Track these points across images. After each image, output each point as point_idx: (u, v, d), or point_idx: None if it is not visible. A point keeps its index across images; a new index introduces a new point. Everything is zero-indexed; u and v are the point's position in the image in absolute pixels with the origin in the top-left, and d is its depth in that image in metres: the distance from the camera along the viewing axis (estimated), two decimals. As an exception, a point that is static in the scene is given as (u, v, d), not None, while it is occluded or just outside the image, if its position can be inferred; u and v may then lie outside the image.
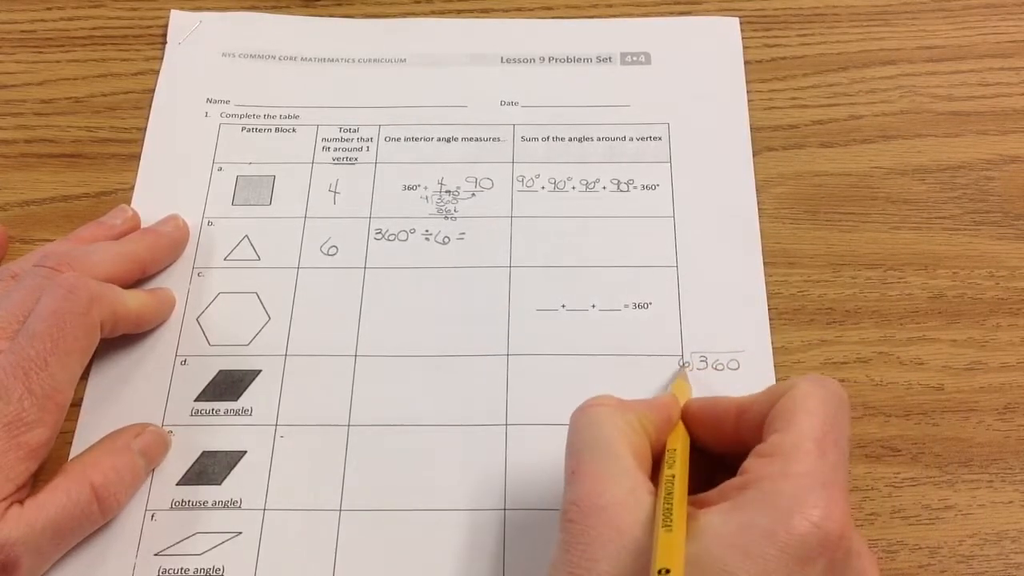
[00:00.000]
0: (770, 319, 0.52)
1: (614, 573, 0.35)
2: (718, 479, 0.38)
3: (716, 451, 0.41)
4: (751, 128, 0.58)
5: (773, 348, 0.51)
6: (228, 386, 0.50)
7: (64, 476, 0.44)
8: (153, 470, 0.48)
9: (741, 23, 0.61)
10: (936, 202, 0.55)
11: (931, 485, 0.48)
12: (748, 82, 0.59)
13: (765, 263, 0.53)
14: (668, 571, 0.32)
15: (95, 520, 0.45)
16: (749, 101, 0.59)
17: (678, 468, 0.38)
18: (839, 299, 0.53)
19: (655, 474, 0.39)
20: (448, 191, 0.56)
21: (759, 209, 0.55)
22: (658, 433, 0.40)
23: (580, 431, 0.40)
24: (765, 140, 0.57)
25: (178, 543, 0.46)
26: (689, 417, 0.42)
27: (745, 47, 0.61)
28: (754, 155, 0.57)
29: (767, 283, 0.53)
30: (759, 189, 0.55)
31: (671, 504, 0.36)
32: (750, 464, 0.37)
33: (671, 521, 0.35)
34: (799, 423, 0.37)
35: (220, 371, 0.51)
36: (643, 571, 0.34)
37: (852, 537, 0.35)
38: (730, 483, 0.37)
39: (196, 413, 0.49)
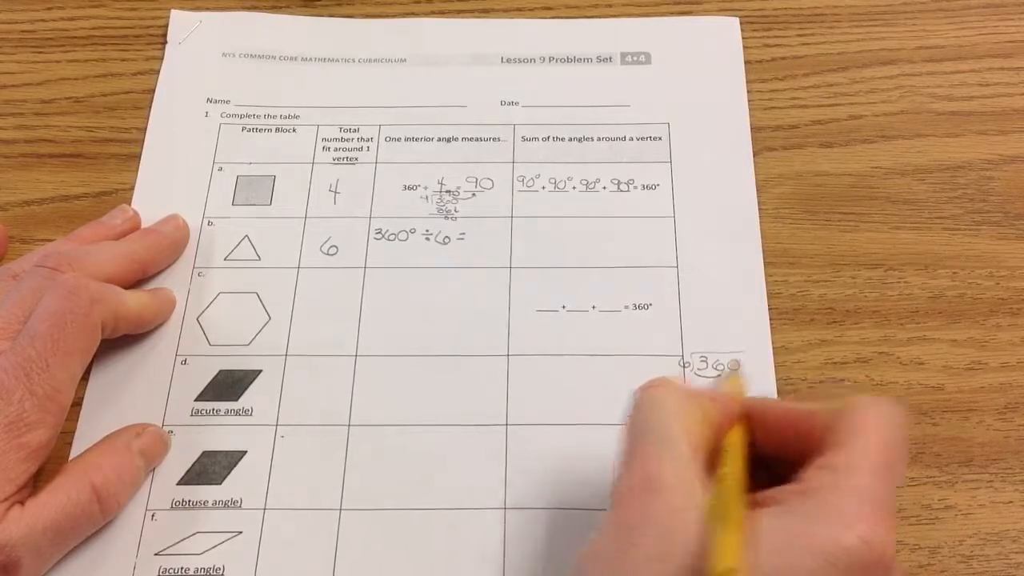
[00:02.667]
0: (770, 319, 0.52)
1: (660, 556, 0.35)
2: (771, 485, 0.38)
3: (768, 452, 0.41)
4: (751, 128, 0.58)
5: (773, 348, 0.51)
6: (228, 386, 0.50)
7: (65, 477, 0.44)
8: (153, 470, 0.48)
9: (741, 23, 0.61)
10: (936, 202, 0.55)
11: (931, 485, 0.48)
12: (748, 82, 0.59)
13: (765, 263, 0.53)
14: (733, 570, 0.33)
15: (96, 521, 0.45)
16: (749, 101, 0.59)
17: (734, 466, 0.38)
18: (839, 299, 0.53)
19: (710, 467, 0.39)
20: (448, 191, 0.56)
21: (759, 209, 0.55)
22: (718, 427, 0.40)
23: (641, 411, 0.40)
24: (765, 140, 0.57)
25: (178, 543, 0.46)
26: (748, 416, 0.42)
27: (745, 47, 0.61)
28: (754, 155, 0.57)
29: (767, 283, 0.53)
30: (759, 189, 0.56)
31: (726, 500, 0.36)
32: (809, 474, 0.37)
33: (729, 518, 0.35)
34: (860, 441, 0.37)
35: (220, 371, 0.51)
36: (685, 558, 0.34)
37: (893, 558, 0.36)
38: (786, 488, 0.37)
39: (196, 413, 0.49)
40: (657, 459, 0.37)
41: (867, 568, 0.34)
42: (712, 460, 0.39)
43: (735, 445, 0.40)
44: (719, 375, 0.50)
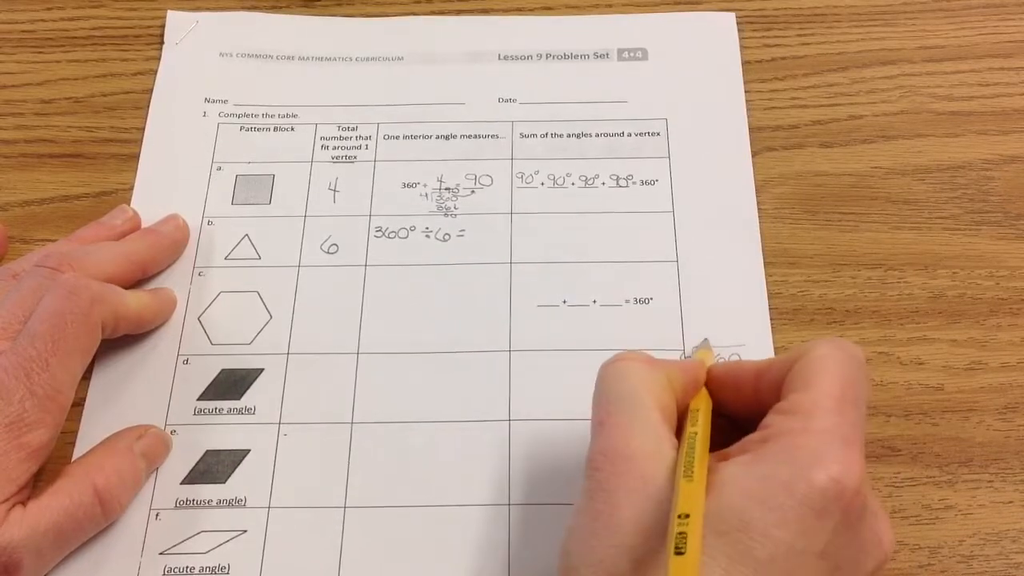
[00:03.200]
0: (770, 319, 0.52)
1: (636, 519, 0.35)
2: (737, 441, 0.39)
3: (737, 414, 0.42)
4: (751, 128, 0.58)
5: (773, 347, 0.51)
6: (230, 385, 0.50)
7: (67, 479, 0.44)
8: (155, 471, 0.48)
9: (741, 23, 0.61)
10: (936, 202, 0.55)
11: (931, 485, 0.48)
12: (748, 82, 0.59)
13: (765, 263, 0.53)
14: (687, 516, 0.33)
15: (98, 522, 0.45)
16: (749, 101, 0.59)
17: (700, 426, 0.39)
18: (839, 299, 0.53)
19: (679, 432, 0.40)
20: (447, 188, 0.56)
21: (759, 209, 0.55)
22: (684, 393, 0.41)
23: (608, 383, 0.40)
24: (765, 140, 0.57)
25: (183, 542, 0.46)
26: (712, 380, 0.43)
27: (745, 47, 0.61)
28: (754, 155, 0.57)
29: (767, 283, 0.53)
30: (759, 189, 0.56)
31: (692, 457, 0.36)
32: (770, 420, 0.37)
33: (692, 472, 0.35)
34: (819, 382, 0.37)
35: (222, 370, 0.51)
36: (664, 518, 0.35)
37: (867, 494, 0.36)
38: (750, 438, 0.37)
39: (199, 412, 0.49)
40: (627, 427, 0.38)
41: (842, 504, 0.34)
42: (681, 425, 0.40)
43: (700, 407, 0.41)
44: (699, 343, 0.50)
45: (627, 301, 0.52)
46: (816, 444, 0.35)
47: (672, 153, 0.57)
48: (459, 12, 0.63)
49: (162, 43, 0.61)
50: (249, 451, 0.48)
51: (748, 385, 0.41)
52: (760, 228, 0.54)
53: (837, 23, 0.62)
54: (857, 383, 0.38)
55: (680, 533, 0.33)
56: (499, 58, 0.61)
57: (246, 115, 0.59)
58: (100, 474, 0.45)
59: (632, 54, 0.61)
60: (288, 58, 0.61)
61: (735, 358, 0.50)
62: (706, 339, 0.50)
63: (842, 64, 0.60)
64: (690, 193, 0.56)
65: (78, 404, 0.49)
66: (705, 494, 0.35)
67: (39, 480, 0.45)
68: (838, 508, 0.34)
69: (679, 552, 0.33)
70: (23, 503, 0.42)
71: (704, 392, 0.42)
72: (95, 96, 0.59)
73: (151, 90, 0.59)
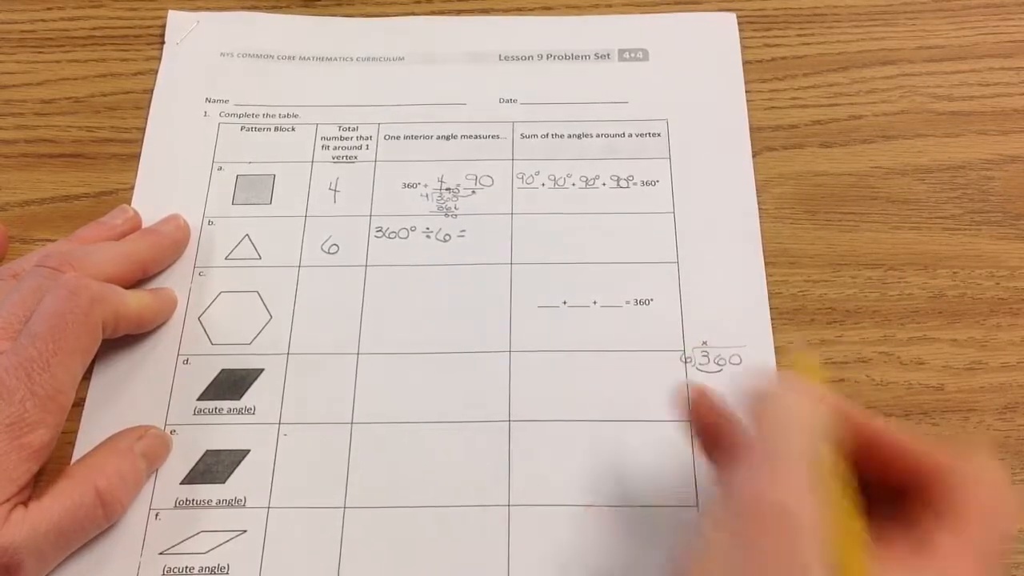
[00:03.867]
0: (770, 319, 0.52)
1: None
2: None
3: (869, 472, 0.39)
4: (751, 128, 0.58)
5: (774, 347, 0.51)
6: (231, 385, 0.50)
7: (68, 480, 0.44)
8: (155, 472, 0.48)
9: (741, 23, 0.61)
10: (936, 202, 0.55)
11: (931, 484, 0.48)
12: (748, 82, 0.59)
13: (765, 263, 0.53)
14: None
15: (99, 524, 0.45)
16: (749, 101, 0.59)
17: (852, 501, 0.36)
18: (839, 299, 0.53)
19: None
20: (448, 189, 0.56)
21: (759, 209, 0.55)
22: (842, 441, 0.37)
23: (781, 418, 0.37)
24: (765, 140, 0.57)
25: (183, 542, 0.46)
26: (857, 431, 0.39)
27: (745, 47, 0.61)
28: (754, 155, 0.57)
29: (767, 283, 0.53)
30: (759, 189, 0.56)
31: (850, 550, 0.35)
32: (932, 536, 0.36)
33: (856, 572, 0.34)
34: (974, 530, 0.36)
35: (222, 370, 0.51)
36: None
37: None
38: (908, 551, 0.36)
39: (199, 412, 0.49)
40: (790, 482, 0.35)
41: None
42: (835, 469, 0.37)
43: (848, 474, 0.37)
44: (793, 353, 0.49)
45: (627, 302, 0.52)
46: None
47: (673, 154, 0.57)
48: (459, 12, 0.63)
49: (163, 43, 0.61)
50: (249, 451, 0.48)
51: (898, 461, 0.38)
52: (760, 228, 0.54)
53: (837, 23, 0.62)
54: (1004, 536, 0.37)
55: None
56: (500, 58, 0.61)
57: (247, 115, 0.59)
58: (102, 476, 0.45)
59: (633, 54, 0.61)
60: (289, 58, 0.61)
61: (735, 359, 0.50)
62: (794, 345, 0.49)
63: (842, 64, 0.60)
64: (691, 194, 0.56)
65: (78, 404, 0.48)
66: None
67: (40, 480, 0.45)
68: None
69: None
70: (24, 503, 0.42)
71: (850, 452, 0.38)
72: (95, 96, 0.59)
73: (151, 90, 0.59)
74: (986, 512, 0.36)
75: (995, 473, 0.37)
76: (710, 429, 0.43)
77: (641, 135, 0.58)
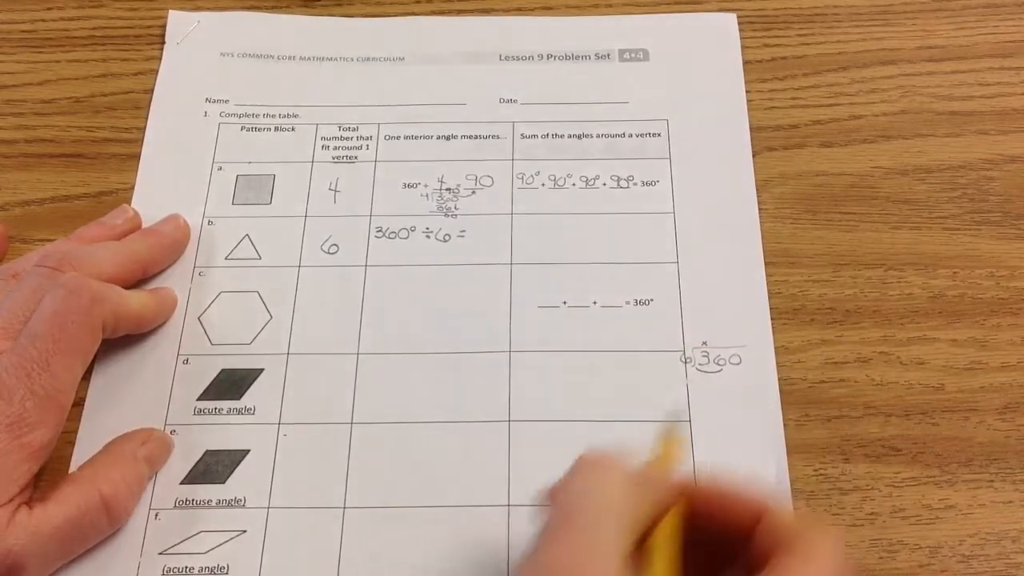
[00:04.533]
0: (770, 319, 0.52)
1: None
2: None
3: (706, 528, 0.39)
4: (751, 128, 0.58)
5: (774, 347, 0.51)
6: (230, 385, 0.50)
7: (73, 486, 0.44)
8: (155, 474, 0.48)
9: (741, 23, 0.61)
10: (936, 202, 0.55)
11: (931, 485, 0.48)
12: (748, 82, 0.59)
13: (765, 263, 0.53)
14: None
15: (103, 531, 0.45)
16: (749, 101, 0.59)
17: (664, 564, 0.37)
18: (839, 299, 0.53)
19: (640, 546, 0.37)
20: (448, 189, 0.56)
21: (759, 209, 0.55)
22: (654, 517, 0.38)
23: (583, 485, 0.38)
24: (765, 140, 0.57)
25: (182, 542, 0.46)
26: (694, 495, 0.39)
27: (745, 47, 0.61)
28: (754, 155, 0.57)
29: (767, 283, 0.53)
30: (759, 189, 0.56)
31: None
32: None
33: None
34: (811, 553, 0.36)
35: (222, 370, 0.51)
36: None
37: None
38: None
39: (199, 412, 0.49)
40: (584, 547, 0.35)
41: None
42: (647, 544, 0.37)
43: (665, 539, 0.38)
44: (662, 431, 0.48)
45: (627, 302, 0.52)
46: None
47: (673, 154, 0.57)
48: (459, 12, 0.63)
49: (163, 43, 0.61)
50: (249, 451, 0.48)
51: (743, 527, 0.38)
52: (760, 228, 0.54)
53: (837, 23, 0.62)
54: None
55: None
56: (500, 58, 0.61)
57: (247, 115, 0.59)
58: (107, 483, 0.45)
59: (633, 55, 0.61)
60: (289, 58, 0.61)
61: (735, 359, 0.50)
62: (677, 412, 0.49)
63: (842, 64, 0.60)
64: (691, 194, 0.56)
65: (78, 404, 0.48)
66: None
67: (41, 481, 0.45)
68: None
69: None
70: (27, 504, 0.43)
71: (671, 517, 0.38)
72: (95, 96, 0.59)
73: (152, 90, 0.59)
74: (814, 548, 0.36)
75: (823, 538, 0.37)
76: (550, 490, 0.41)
77: (641, 135, 0.58)
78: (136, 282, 0.52)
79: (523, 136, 0.58)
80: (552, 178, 0.56)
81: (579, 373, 0.50)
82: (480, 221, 0.55)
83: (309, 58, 0.61)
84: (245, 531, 0.47)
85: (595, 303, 0.52)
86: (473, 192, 0.56)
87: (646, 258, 0.54)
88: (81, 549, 0.45)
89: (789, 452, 0.48)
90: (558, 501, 0.38)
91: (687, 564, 0.37)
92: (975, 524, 0.47)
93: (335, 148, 0.58)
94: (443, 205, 0.55)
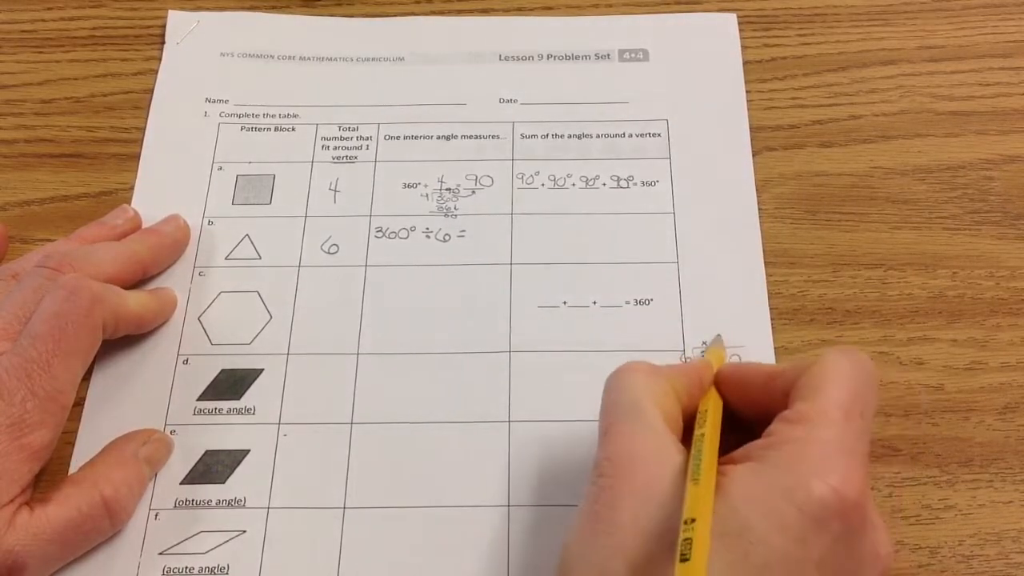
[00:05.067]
0: (770, 319, 0.52)
1: (635, 522, 0.36)
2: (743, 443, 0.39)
3: (745, 416, 0.42)
4: (751, 128, 0.58)
5: (774, 347, 0.51)
6: (230, 385, 0.50)
7: (75, 487, 0.44)
8: (155, 475, 0.48)
9: (741, 23, 0.61)
10: (936, 202, 0.55)
11: (931, 485, 0.48)
12: (748, 82, 0.59)
13: (765, 263, 0.53)
14: (694, 520, 0.33)
15: (104, 532, 0.45)
16: (749, 101, 0.59)
17: (708, 427, 0.39)
18: (839, 299, 0.53)
19: (687, 436, 0.40)
20: (448, 189, 0.56)
21: (759, 209, 0.55)
22: (689, 397, 0.42)
23: (612, 393, 0.41)
24: (765, 140, 0.57)
25: (182, 542, 0.46)
26: (720, 381, 0.43)
27: (745, 47, 0.61)
28: (754, 155, 0.57)
29: (767, 283, 0.53)
30: (759, 189, 0.56)
31: (700, 460, 0.36)
32: (776, 427, 0.37)
33: (699, 475, 0.35)
34: (826, 391, 0.37)
35: (222, 370, 0.51)
36: (666, 521, 0.35)
37: (868, 506, 0.36)
38: (755, 444, 0.38)
39: (199, 412, 0.49)
40: (631, 433, 0.38)
41: (841, 515, 0.35)
42: (689, 429, 0.40)
43: (708, 408, 0.41)
44: (712, 339, 0.50)
45: (627, 302, 0.52)
46: (818, 454, 0.35)
47: (673, 154, 0.57)
48: (459, 12, 0.63)
49: (163, 43, 0.61)
50: (249, 451, 0.48)
51: (757, 388, 0.41)
52: (760, 228, 0.54)
53: (837, 23, 0.62)
54: (865, 394, 0.38)
55: (686, 539, 0.33)
56: (500, 58, 0.61)
57: (247, 115, 0.59)
58: (108, 484, 0.45)
59: (633, 55, 0.61)
60: (289, 58, 0.61)
61: (735, 359, 0.50)
62: (719, 336, 0.50)
63: (842, 64, 0.60)
64: (691, 194, 0.56)
65: (78, 404, 0.48)
66: (712, 497, 0.35)
67: (41, 481, 0.45)
68: (837, 519, 0.34)
69: (684, 559, 0.33)
70: (28, 505, 0.43)
71: (713, 393, 0.42)
72: (95, 96, 0.59)
73: (151, 90, 0.59)
74: (828, 381, 0.38)
75: (835, 352, 0.39)
76: None
77: (641, 135, 0.58)
78: (136, 282, 0.52)
79: (523, 136, 0.58)
80: (552, 178, 0.56)
81: (579, 373, 0.50)
82: (480, 221, 0.55)
83: (309, 58, 0.61)
84: (245, 531, 0.47)
85: (595, 303, 0.52)
86: (473, 192, 0.56)
87: (646, 258, 0.54)
88: (82, 550, 0.45)
89: (789, 452, 0.48)
90: (600, 416, 0.41)
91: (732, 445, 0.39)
92: (975, 524, 0.47)
93: (335, 148, 0.58)
94: (443, 205, 0.55)
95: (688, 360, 0.50)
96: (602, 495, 0.37)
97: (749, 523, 0.34)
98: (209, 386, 0.50)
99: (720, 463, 0.37)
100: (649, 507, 0.36)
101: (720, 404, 0.42)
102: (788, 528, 0.34)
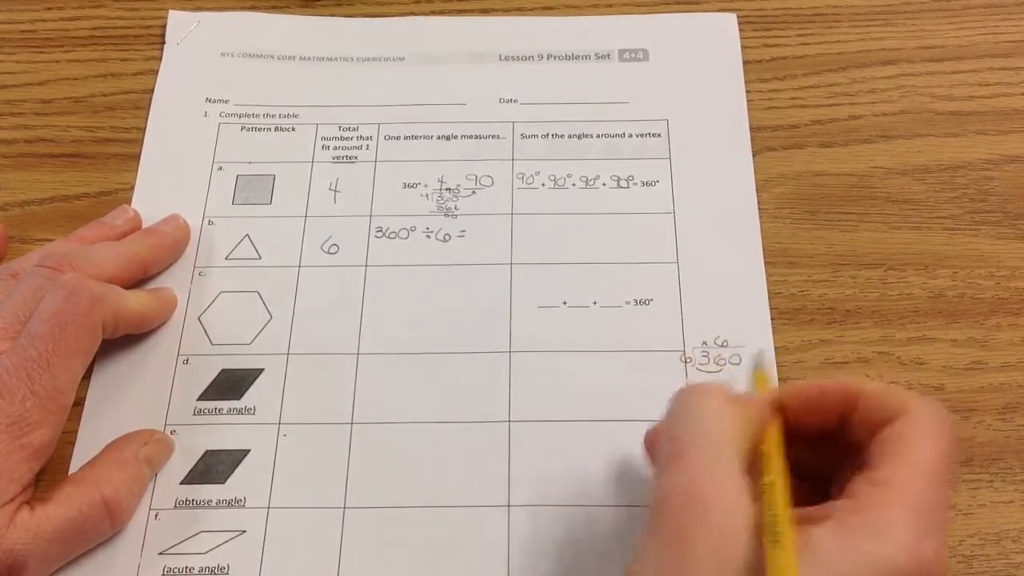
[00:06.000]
0: (770, 319, 0.52)
1: (713, 572, 0.34)
2: (799, 486, 0.38)
3: (806, 434, 0.41)
4: (751, 128, 0.58)
5: (774, 347, 0.51)
6: (230, 385, 0.50)
7: (75, 488, 0.44)
8: (155, 475, 0.48)
9: (741, 23, 0.61)
10: (936, 202, 0.55)
11: (931, 485, 0.48)
12: (748, 82, 0.59)
13: (765, 263, 0.53)
14: None
15: (104, 532, 0.45)
16: (749, 101, 0.59)
17: (777, 476, 0.38)
18: (839, 299, 0.53)
19: (753, 470, 0.38)
20: (448, 189, 0.56)
21: (759, 209, 0.55)
22: (756, 434, 0.40)
23: (691, 413, 0.39)
24: (765, 140, 0.57)
25: (182, 542, 0.46)
26: (787, 403, 0.41)
27: (745, 47, 0.61)
28: (754, 155, 0.57)
29: (767, 283, 0.53)
30: (759, 189, 0.56)
31: (775, 515, 0.35)
32: (862, 489, 0.36)
33: (779, 537, 0.35)
34: (917, 456, 0.37)
35: (222, 370, 0.51)
36: (736, 572, 0.34)
37: (945, 572, 0.36)
38: (841, 504, 0.36)
39: (199, 412, 0.49)
40: (704, 472, 0.36)
41: None
42: (754, 462, 0.39)
43: (773, 450, 0.39)
44: (752, 366, 0.49)
45: (627, 302, 0.52)
46: (907, 524, 0.35)
47: (673, 154, 0.57)
48: (459, 12, 0.63)
49: (163, 43, 0.61)
50: (249, 451, 0.48)
51: (833, 417, 0.40)
52: (760, 228, 0.54)
53: (837, 23, 0.62)
54: (951, 459, 0.37)
55: None
56: (500, 58, 0.61)
57: (247, 115, 0.59)
58: (108, 485, 0.45)
59: (633, 55, 0.61)
60: (289, 58, 0.61)
61: (735, 359, 0.50)
62: (762, 351, 0.48)
63: (842, 64, 0.60)
64: (691, 194, 0.56)
65: (78, 404, 0.48)
66: (797, 563, 0.34)
67: (42, 481, 0.45)
68: None
69: None
70: (29, 504, 0.43)
71: (774, 429, 0.40)
72: (95, 96, 0.59)
73: (152, 90, 0.59)
74: (915, 443, 0.37)
75: (921, 408, 0.38)
76: (651, 433, 0.44)
77: (641, 135, 0.58)
78: (136, 282, 0.52)
79: (523, 136, 0.58)
80: (552, 178, 0.56)
81: (579, 373, 0.50)
82: (480, 221, 0.55)
83: (309, 58, 0.61)
84: (245, 531, 0.47)
85: (595, 303, 0.52)
86: (473, 192, 0.56)
87: (646, 258, 0.54)
88: (82, 550, 0.45)
89: (789, 452, 0.48)
90: (670, 435, 0.39)
91: (795, 476, 0.38)
92: (975, 524, 0.47)
93: (335, 148, 0.58)
94: (443, 205, 0.55)
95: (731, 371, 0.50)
96: (673, 538, 0.35)
97: None
98: (209, 386, 0.50)
99: (797, 517, 0.36)
100: (726, 566, 0.34)
101: (783, 442, 0.40)
102: None
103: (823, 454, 0.41)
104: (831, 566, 0.34)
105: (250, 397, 0.50)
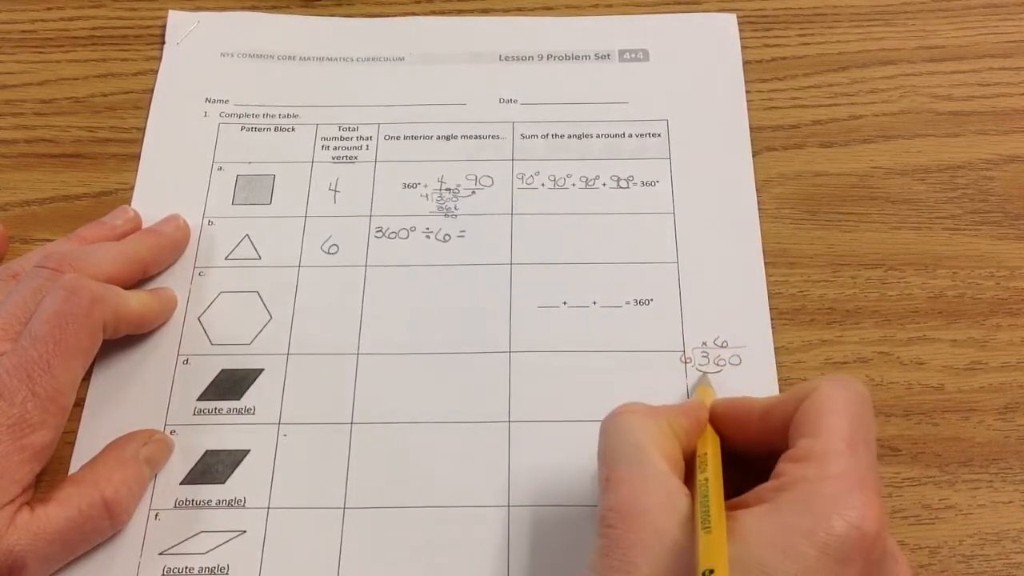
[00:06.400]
0: (770, 319, 0.52)
1: (654, 575, 0.35)
2: (745, 482, 0.38)
3: (741, 452, 0.42)
4: (751, 128, 0.58)
5: (774, 347, 0.51)
6: (230, 385, 0.50)
7: (75, 488, 0.44)
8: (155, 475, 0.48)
9: (741, 23, 0.61)
10: (936, 202, 0.55)
11: (931, 485, 0.48)
12: (748, 82, 0.59)
13: (765, 263, 0.53)
14: (712, 571, 0.33)
15: (105, 532, 0.45)
16: (749, 101, 0.59)
17: (711, 471, 0.39)
18: (839, 299, 0.53)
19: (688, 478, 0.39)
20: (448, 189, 0.56)
21: (759, 209, 0.55)
22: (688, 437, 0.41)
23: (611, 438, 0.40)
24: (765, 140, 0.57)
25: (182, 542, 0.46)
26: (715, 419, 0.42)
27: (745, 47, 0.61)
28: (754, 155, 0.57)
29: (767, 283, 0.53)
30: (759, 189, 0.56)
31: (708, 506, 0.36)
32: (784, 468, 0.37)
33: (710, 523, 0.35)
34: (828, 425, 0.37)
35: (222, 370, 0.51)
36: (682, 572, 0.35)
37: (887, 538, 0.36)
38: (765, 486, 0.37)
39: (199, 413, 0.49)
40: (636, 481, 0.38)
41: (863, 551, 0.34)
42: (690, 470, 0.40)
43: (708, 451, 0.40)
44: (696, 386, 0.50)
45: (627, 302, 0.52)
46: (833, 491, 0.35)
47: (673, 154, 0.57)
48: (459, 12, 0.63)
49: (163, 43, 0.61)
50: (249, 451, 0.48)
51: (753, 424, 0.41)
52: (760, 228, 0.54)
53: (837, 23, 0.62)
54: (866, 422, 0.38)
55: None
56: (500, 58, 0.61)
57: (247, 115, 0.59)
58: (109, 485, 0.45)
59: (633, 55, 0.61)
60: (289, 58, 0.61)
61: (735, 359, 0.50)
62: (705, 375, 0.50)
63: (842, 64, 0.60)
64: (691, 194, 0.56)
65: (78, 404, 0.48)
66: (726, 545, 0.34)
67: (42, 482, 0.45)
68: (859, 554, 0.34)
69: None
70: (29, 505, 0.43)
71: (710, 432, 0.42)
72: (95, 96, 0.59)
73: (151, 90, 0.59)
74: (827, 415, 0.38)
75: (828, 383, 0.39)
76: None
77: (641, 135, 0.58)
78: (136, 282, 0.52)
79: (523, 136, 0.58)
80: (552, 178, 0.56)
81: (579, 373, 0.50)
82: (480, 221, 0.55)
83: (309, 58, 0.61)
84: (245, 531, 0.47)
85: (595, 303, 0.52)
86: (473, 192, 0.56)
87: (646, 258, 0.54)
88: (82, 550, 0.45)
89: (789, 452, 0.48)
90: (601, 461, 0.40)
91: (733, 484, 0.39)
92: (975, 524, 0.47)
93: (335, 148, 0.58)
94: (443, 205, 0.55)
95: (687, 392, 0.50)
96: (614, 549, 0.36)
97: (771, 569, 0.34)
98: (209, 386, 0.50)
99: (728, 507, 0.37)
100: (665, 559, 0.35)
101: (719, 444, 0.41)
102: (810, 570, 0.34)
103: None
104: (767, 546, 0.34)
105: (250, 397, 0.50)
